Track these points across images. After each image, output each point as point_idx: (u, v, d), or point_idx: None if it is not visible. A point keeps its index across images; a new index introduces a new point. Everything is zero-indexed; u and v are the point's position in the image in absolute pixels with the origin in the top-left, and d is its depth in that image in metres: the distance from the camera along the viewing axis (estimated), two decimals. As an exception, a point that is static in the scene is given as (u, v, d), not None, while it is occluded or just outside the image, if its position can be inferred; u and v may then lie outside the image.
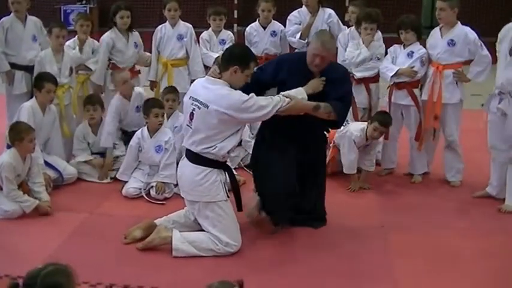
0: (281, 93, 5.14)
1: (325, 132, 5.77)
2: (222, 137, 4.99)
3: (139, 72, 7.64)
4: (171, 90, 6.95)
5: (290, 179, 5.34)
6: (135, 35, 7.49)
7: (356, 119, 6.94)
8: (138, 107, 6.85)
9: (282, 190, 5.28)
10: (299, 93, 5.17)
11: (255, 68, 5.22)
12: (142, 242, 5.16)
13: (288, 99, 5.05)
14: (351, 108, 6.08)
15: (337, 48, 6.90)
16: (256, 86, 5.19)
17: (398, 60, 6.69)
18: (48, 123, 6.58)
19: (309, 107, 5.17)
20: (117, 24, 7.32)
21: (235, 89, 5.01)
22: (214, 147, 4.98)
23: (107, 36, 7.36)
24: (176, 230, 5.17)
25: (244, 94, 4.95)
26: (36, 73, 6.79)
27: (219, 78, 5.07)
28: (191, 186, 5.10)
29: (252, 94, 4.98)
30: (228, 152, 5.09)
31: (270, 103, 4.99)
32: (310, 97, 5.21)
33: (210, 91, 4.98)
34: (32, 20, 7.16)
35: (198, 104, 4.98)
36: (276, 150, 5.34)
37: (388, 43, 6.99)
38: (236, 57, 5.05)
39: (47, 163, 6.46)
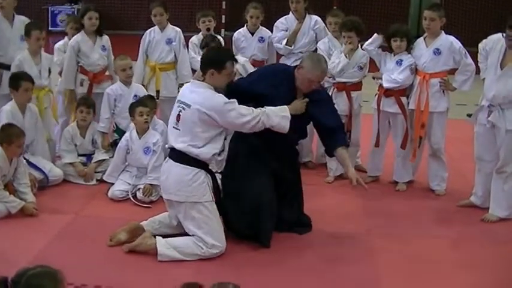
0: (265, 107, 5.21)
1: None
2: (205, 138, 5.07)
3: (111, 77, 7.46)
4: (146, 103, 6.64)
5: (270, 191, 5.43)
6: (104, 39, 7.36)
7: None
8: (136, 96, 6.88)
9: (263, 200, 5.34)
10: (282, 111, 5.25)
11: (239, 77, 5.32)
12: (129, 245, 5.17)
13: (263, 117, 5.14)
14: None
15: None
16: (237, 95, 5.24)
17: (387, 66, 6.72)
18: (30, 124, 6.49)
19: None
20: (85, 25, 7.20)
21: (220, 92, 5.12)
22: (198, 148, 5.06)
23: (73, 39, 7.24)
24: (160, 237, 5.18)
25: (227, 99, 5.06)
26: None
27: (202, 80, 5.19)
28: (178, 187, 5.12)
29: (234, 100, 5.09)
30: (213, 155, 5.14)
31: (250, 114, 5.10)
32: (293, 117, 5.28)
33: (195, 93, 5.11)
34: (20, 19, 7.12)
35: (184, 106, 5.10)
36: (249, 173, 5.40)
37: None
38: (210, 61, 5.21)
39: (32, 164, 6.43)
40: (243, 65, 6.86)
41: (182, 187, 5.10)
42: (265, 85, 5.45)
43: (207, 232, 5.09)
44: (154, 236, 5.19)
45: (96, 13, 7.20)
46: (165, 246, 5.08)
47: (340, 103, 6.88)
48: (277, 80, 5.50)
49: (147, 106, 6.50)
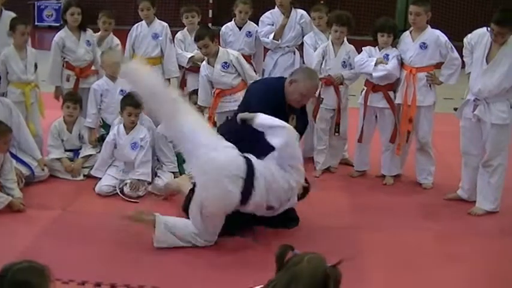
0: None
1: None
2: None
3: (97, 72, 7.42)
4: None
5: None
6: (88, 34, 7.32)
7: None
8: (122, 90, 6.81)
9: None
10: None
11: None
12: (125, 215, 5.23)
13: None
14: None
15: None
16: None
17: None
18: (3, 117, 6.25)
19: None
20: (68, 21, 7.18)
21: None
22: None
23: (57, 36, 7.22)
24: (159, 215, 5.21)
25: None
26: (1, 73, 6.70)
27: None
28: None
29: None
30: None
31: None
32: None
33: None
34: (9, 15, 7.07)
35: None
36: None
37: (360, 46, 7.01)
38: None
39: (19, 159, 6.40)
40: (237, 57, 6.86)
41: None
42: (263, 109, 5.30)
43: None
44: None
45: (78, 8, 7.14)
46: (163, 230, 5.12)
47: (329, 97, 6.91)
48: (270, 101, 5.40)
49: (137, 107, 6.40)
